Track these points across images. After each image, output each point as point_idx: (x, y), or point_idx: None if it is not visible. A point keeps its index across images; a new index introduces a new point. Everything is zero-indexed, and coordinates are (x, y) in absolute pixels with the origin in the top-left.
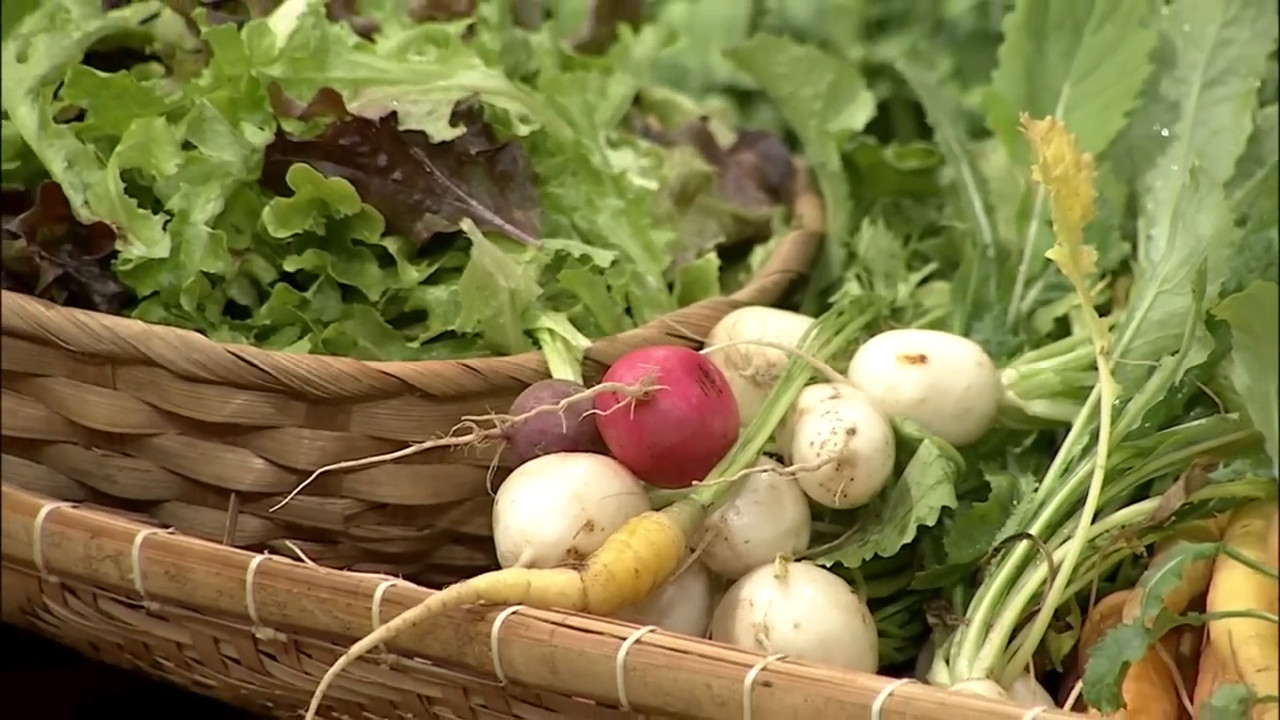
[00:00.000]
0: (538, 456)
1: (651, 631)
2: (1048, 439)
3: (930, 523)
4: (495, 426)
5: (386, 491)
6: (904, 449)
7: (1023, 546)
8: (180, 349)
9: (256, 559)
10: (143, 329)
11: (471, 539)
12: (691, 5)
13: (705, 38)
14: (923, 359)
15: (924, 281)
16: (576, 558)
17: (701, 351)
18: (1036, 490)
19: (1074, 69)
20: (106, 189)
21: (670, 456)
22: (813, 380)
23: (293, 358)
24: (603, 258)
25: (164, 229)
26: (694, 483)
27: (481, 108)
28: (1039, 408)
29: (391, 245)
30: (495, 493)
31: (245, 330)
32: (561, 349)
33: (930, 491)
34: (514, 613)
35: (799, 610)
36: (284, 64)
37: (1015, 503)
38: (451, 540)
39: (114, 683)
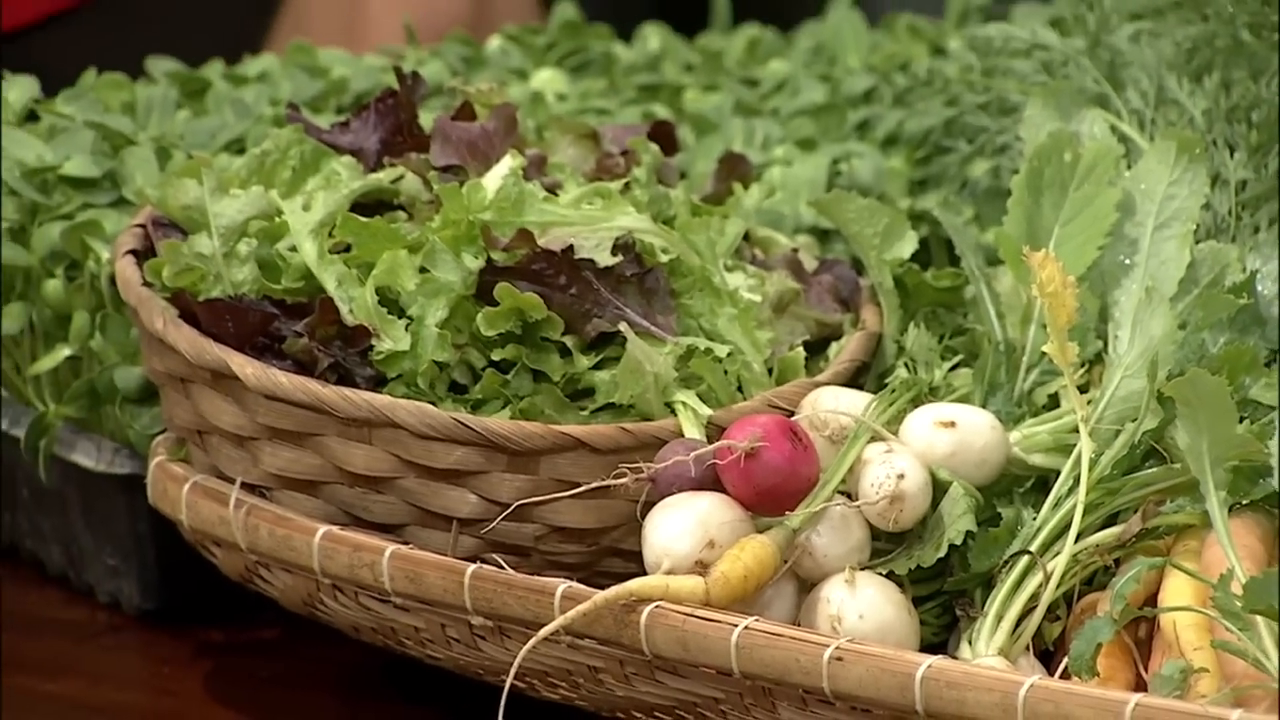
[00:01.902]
0: (674, 494)
1: (756, 620)
2: (1043, 482)
3: (958, 542)
4: (643, 472)
5: (565, 519)
6: (939, 489)
7: (1025, 560)
8: (418, 416)
9: (471, 567)
10: (390, 402)
11: (626, 553)
12: (785, 169)
13: (795, 192)
14: (952, 424)
15: (953, 368)
16: (702, 567)
17: (793, 418)
18: (1035, 519)
19: (1061, 216)
20: (365, 301)
21: (770, 494)
22: (873, 439)
23: (498, 422)
24: (721, 350)
25: (406, 329)
26: (787, 513)
27: (634, 242)
28: (1037, 459)
29: (569, 341)
30: (643, 520)
31: (464, 402)
32: (691, 416)
33: (958, 519)
34: (657, 606)
35: (863, 605)
36: (492, 211)
37: (1019, 528)
38: (612, 554)
39: (370, 655)
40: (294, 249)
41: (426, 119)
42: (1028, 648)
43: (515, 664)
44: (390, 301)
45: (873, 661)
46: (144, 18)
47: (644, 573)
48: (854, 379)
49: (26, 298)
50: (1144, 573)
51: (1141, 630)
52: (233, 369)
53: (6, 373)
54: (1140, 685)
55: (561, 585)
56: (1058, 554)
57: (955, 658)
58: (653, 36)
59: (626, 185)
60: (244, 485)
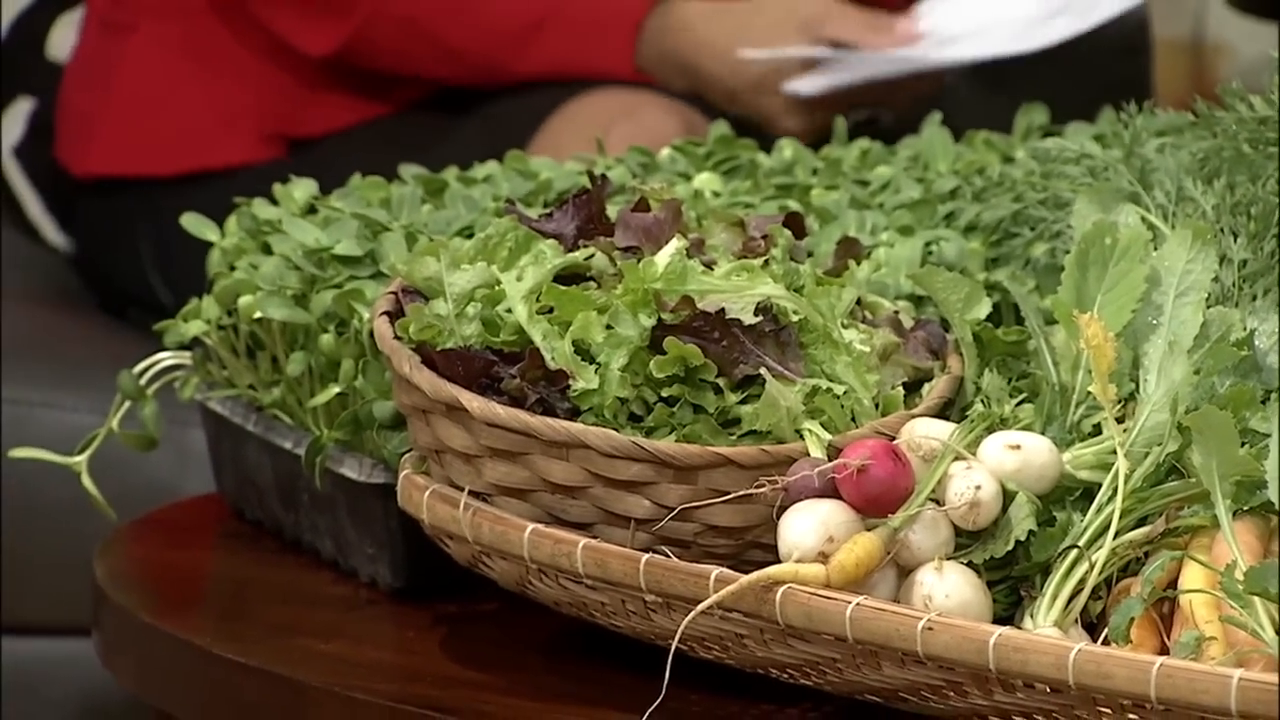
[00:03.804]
0: (802, 501)
1: (865, 599)
2: (1089, 492)
3: (1022, 539)
4: (778, 484)
5: (718, 519)
6: (1007, 498)
7: (1074, 553)
8: (604, 439)
9: (646, 556)
10: (583, 428)
11: (765, 546)
12: (889, 250)
13: (896, 268)
14: (1019, 447)
15: (1019, 404)
16: (823, 558)
17: (894, 442)
18: (1082, 521)
19: (1103, 287)
20: (564, 351)
21: (876, 501)
22: (956, 459)
23: (666, 444)
24: (839, 389)
25: (595, 373)
26: (889, 516)
27: (772, 305)
28: (1084, 475)
29: (721, 382)
30: (778, 520)
31: (640, 429)
32: (816, 441)
33: (1022, 521)
34: (788, 588)
35: (949, 587)
36: (662, 282)
37: (1070, 528)
38: (754, 547)
39: (568, 624)
40: (510, 311)
41: (612, 211)
42: (1076, 621)
43: (679, 632)
44: (584, 351)
45: (956, 631)
46: (403, 140)
47: (779, 562)
48: (942, 412)
49: (306, 348)
50: (1167, 563)
51: (1165, 608)
52: (462, 403)
53: (290, 406)
54: (1164, 650)
55: (715, 571)
56: (1100, 548)
57: (1020, 629)
58: (787, 148)
59: (766, 262)
60: (471, 493)
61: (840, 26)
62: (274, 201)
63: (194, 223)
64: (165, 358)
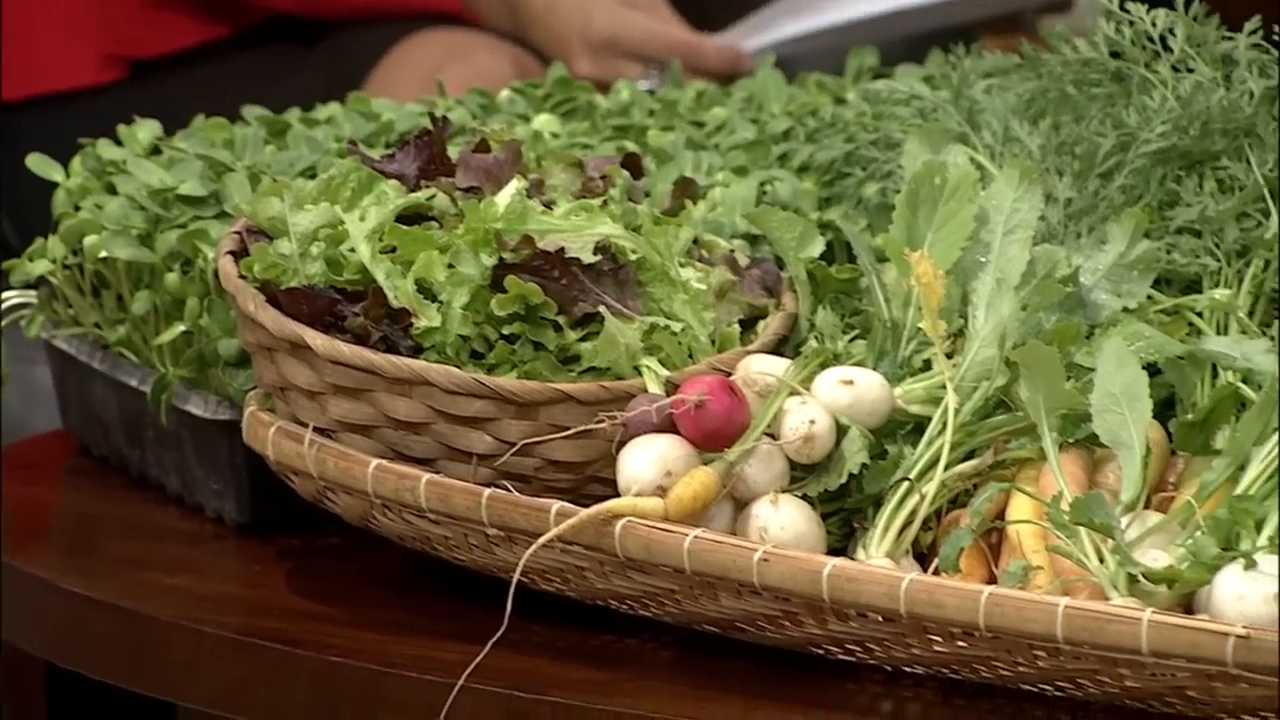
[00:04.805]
0: (640, 436)
1: (702, 531)
2: (919, 426)
3: (855, 471)
4: (617, 419)
5: (558, 454)
6: (841, 432)
7: (905, 485)
8: (446, 376)
9: (488, 491)
10: (425, 365)
11: (605, 481)
12: (724, 190)
13: (732, 207)
14: (851, 382)
15: (852, 340)
16: (661, 491)
17: (730, 378)
18: (913, 454)
19: (933, 225)
20: (407, 289)
21: (713, 436)
22: (791, 394)
23: (507, 381)
24: (676, 326)
25: (437, 311)
26: (726, 450)
27: (610, 244)
28: (915, 409)
29: (561, 320)
30: (617, 455)
31: (482, 366)
32: (654, 377)
33: (855, 454)
34: (628, 521)
35: (784, 519)
36: (503, 222)
37: (901, 461)
38: (594, 481)
39: (411, 558)
40: (353, 250)
41: (453, 151)
42: (908, 552)
43: (520, 564)
44: (426, 290)
45: (791, 562)
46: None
47: (618, 496)
48: (777, 349)
49: (152, 287)
50: (995, 494)
51: (994, 538)
52: (306, 340)
53: (136, 344)
54: (992, 580)
55: (555, 505)
56: (930, 481)
57: (853, 559)
58: (624, 90)
59: (604, 202)
60: (315, 429)
61: None
62: (117, 141)
63: (39, 163)
64: (11, 296)
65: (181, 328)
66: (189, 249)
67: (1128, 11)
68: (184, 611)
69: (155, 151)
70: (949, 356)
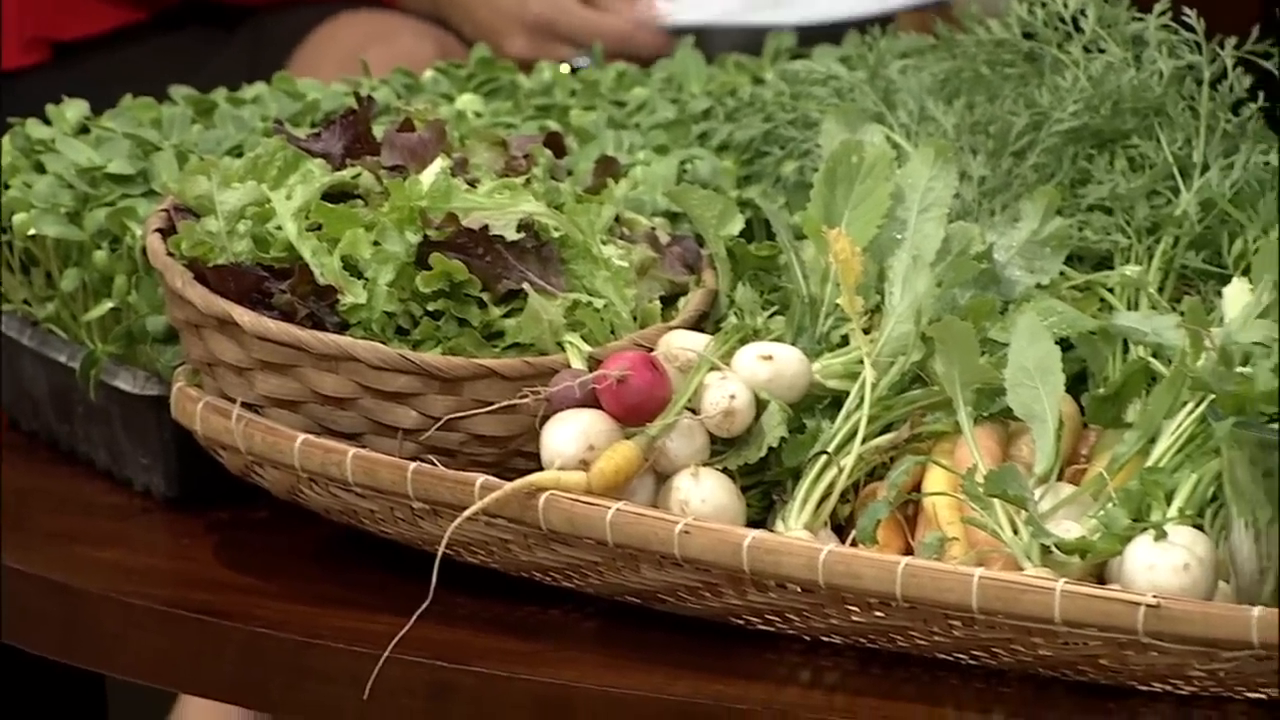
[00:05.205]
0: (563, 411)
1: (625, 504)
2: (837, 400)
3: (775, 445)
4: (541, 394)
5: (482, 429)
6: (760, 406)
7: (823, 458)
8: (372, 352)
9: (413, 465)
10: (351, 341)
11: (529, 455)
12: (645, 168)
13: (653, 186)
14: (771, 358)
15: (771, 316)
16: (584, 465)
17: (652, 353)
18: (831, 428)
19: (850, 203)
20: (333, 267)
21: (635, 411)
22: (712, 369)
23: (432, 356)
24: (599, 303)
25: (363, 288)
26: (648, 425)
27: (533, 222)
28: (833, 383)
29: (485, 296)
30: (541, 430)
31: (407, 342)
32: (577, 352)
33: (775, 428)
34: (551, 494)
35: (704, 492)
36: (427, 200)
37: (820, 434)
38: (517, 456)
39: (338, 531)
40: (279, 228)
41: (378, 131)
42: (826, 524)
43: (445, 537)
44: (351, 267)
45: (712, 534)
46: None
47: (541, 469)
48: (698, 325)
49: (80, 265)
50: (911, 467)
51: (910, 511)
52: (234, 317)
53: (65, 321)
54: (909, 551)
55: (480, 478)
56: (848, 454)
57: (773, 531)
58: (546, 70)
59: (527, 180)
60: (243, 404)
61: None
62: (45, 120)
63: None
64: None
65: (110, 304)
66: (117, 227)
67: None
68: (113, 584)
69: (83, 130)
70: (866, 332)
